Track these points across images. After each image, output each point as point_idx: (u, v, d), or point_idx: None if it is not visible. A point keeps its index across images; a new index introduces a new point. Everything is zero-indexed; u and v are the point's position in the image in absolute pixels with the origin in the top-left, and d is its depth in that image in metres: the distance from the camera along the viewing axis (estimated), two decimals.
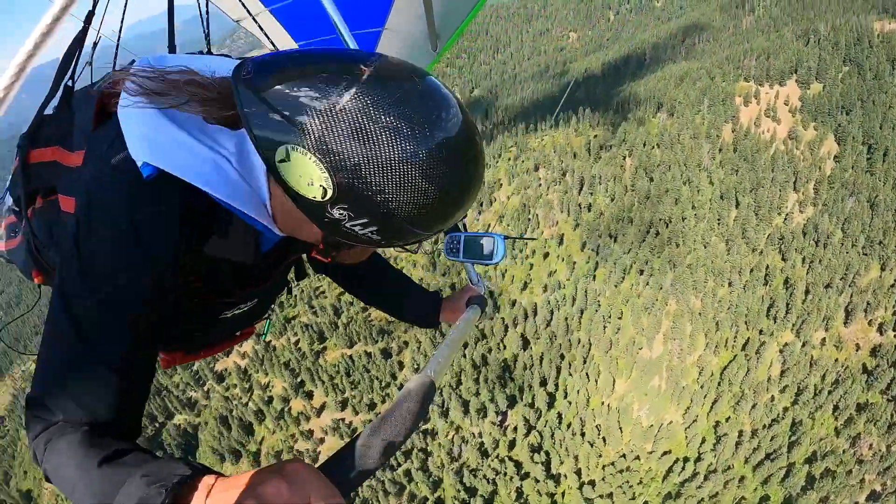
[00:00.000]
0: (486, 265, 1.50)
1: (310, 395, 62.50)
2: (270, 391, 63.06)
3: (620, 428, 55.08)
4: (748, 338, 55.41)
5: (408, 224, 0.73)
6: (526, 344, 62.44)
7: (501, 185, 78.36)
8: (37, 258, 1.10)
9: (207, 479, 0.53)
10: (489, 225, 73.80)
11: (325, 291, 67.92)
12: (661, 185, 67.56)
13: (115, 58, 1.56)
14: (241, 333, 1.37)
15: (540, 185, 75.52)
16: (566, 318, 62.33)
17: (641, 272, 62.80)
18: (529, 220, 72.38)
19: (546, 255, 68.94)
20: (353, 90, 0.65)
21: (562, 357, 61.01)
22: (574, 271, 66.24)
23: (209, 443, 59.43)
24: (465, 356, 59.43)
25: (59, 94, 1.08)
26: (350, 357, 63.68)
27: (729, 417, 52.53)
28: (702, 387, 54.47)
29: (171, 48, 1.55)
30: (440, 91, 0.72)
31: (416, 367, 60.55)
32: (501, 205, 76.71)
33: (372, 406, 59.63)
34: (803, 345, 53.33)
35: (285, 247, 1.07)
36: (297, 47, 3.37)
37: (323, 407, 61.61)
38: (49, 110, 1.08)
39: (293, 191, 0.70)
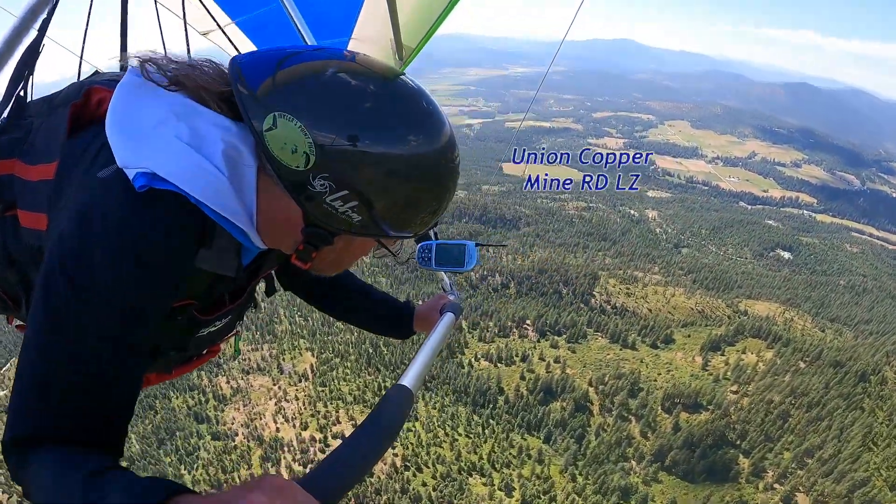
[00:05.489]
0: (459, 272, 1.51)
1: None
2: None
3: None
4: None
5: (385, 210, 0.78)
6: None
7: None
8: None
9: (180, 501, 0.52)
10: None
11: None
12: None
13: (80, 67, 1.54)
14: (208, 351, 1.34)
15: None
16: None
17: None
18: None
19: None
20: (339, 68, 0.75)
21: None
22: None
23: None
24: None
25: (11, 104, 1.02)
26: None
27: None
28: None
29: (124, 61, 1.44)
30: (427, 94, 0.80)
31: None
32: None
33: None
34: None
35: (260, 260, 1.07)
36: None
37: None
38: None
39: (277, 162, 0.75)
